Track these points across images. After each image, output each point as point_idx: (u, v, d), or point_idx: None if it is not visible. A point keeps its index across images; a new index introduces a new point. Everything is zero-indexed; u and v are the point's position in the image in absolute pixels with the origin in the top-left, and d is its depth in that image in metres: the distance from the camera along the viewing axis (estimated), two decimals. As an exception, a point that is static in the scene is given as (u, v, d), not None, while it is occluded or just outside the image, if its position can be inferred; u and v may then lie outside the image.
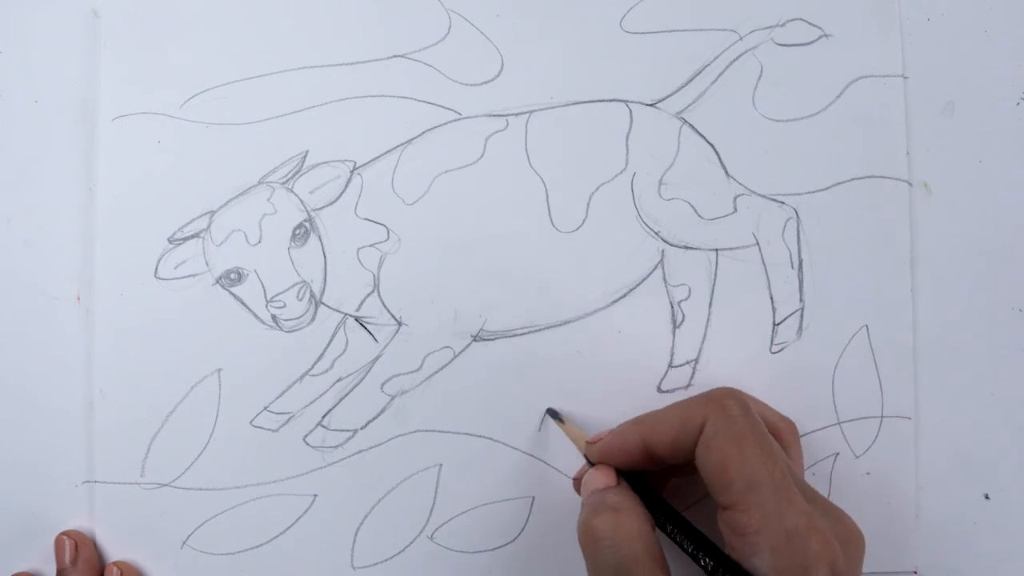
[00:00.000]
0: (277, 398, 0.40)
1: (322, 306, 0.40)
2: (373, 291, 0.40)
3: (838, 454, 0.40)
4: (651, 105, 0.41)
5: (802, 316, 0.40)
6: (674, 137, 0.41)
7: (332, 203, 0.40)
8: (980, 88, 0.41)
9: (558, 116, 0.41)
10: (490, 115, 0.41)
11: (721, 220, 0.40)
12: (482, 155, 0.40)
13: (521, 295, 0.40)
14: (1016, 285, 0.41)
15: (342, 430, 0.40)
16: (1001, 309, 0.41)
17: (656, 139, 0.41)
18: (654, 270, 0.40)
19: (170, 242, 0.40)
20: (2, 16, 0.41)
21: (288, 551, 0.40)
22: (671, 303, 0.40)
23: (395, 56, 0.41)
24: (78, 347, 0.40)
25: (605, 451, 0.35)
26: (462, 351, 0.40)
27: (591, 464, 0.36)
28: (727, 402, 0.32)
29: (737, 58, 0.41)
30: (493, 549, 0.40)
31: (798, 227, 0.40)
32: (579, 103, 0.41)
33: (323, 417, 0.40)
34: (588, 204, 0.40)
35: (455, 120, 0.40)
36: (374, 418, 0.40)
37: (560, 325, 0.40)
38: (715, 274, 0.40)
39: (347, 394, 0.40)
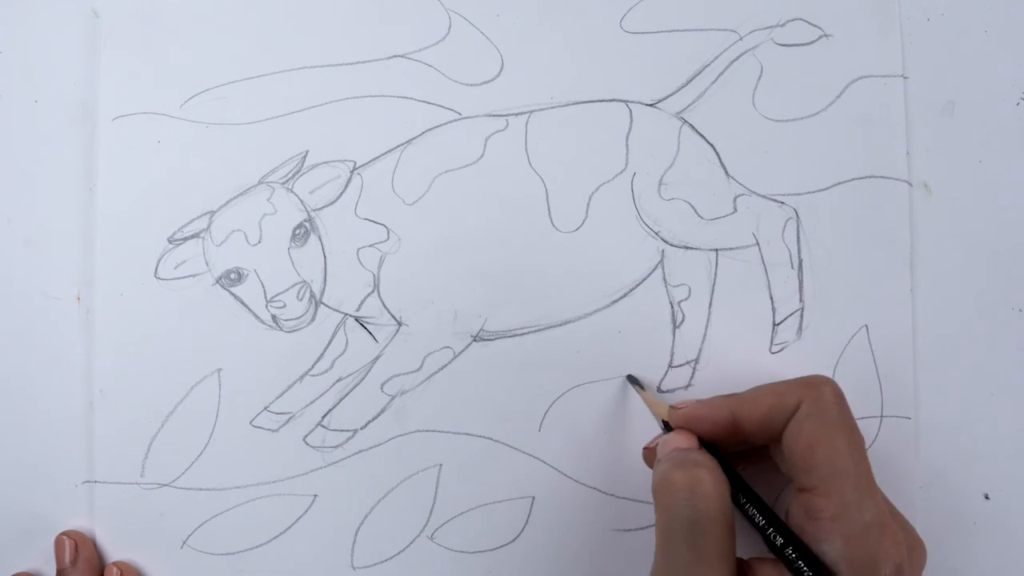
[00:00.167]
0: (277, 398, 0.40)
1: (322, 306, 0.40)
2: (373, 291, 0.40)
3: (838, 454, 0.40)
4: (651, 105, 0.41)
5: (802, 316, 0.40)
6: (674, 137, 0.41)
7: (332, 203, 0.40)
8: (980, 88, 0.41)
9: (558, 116, 0.41)
10: (490, 115, 0.41)
11: (721, 220, 0.40)
12: (482, 155, 0.40)
13: (521, 295, 0.40)
14: (1016, 285, 0.41)
15: (342, 430, 0.40)
16: (1001, 309, 0.41)
17: (656, 139, 0.41)
18: (654, 270, 0.40)
19: (170, 242, 0.40)
20: (2, 16, 0.41)
21: (288, 551, 0.40)
22: (671, 303, 0.40)
23: (395, 56, 0.41)
24: (78, 347, 0.40)
25: (691, 417, 0.35)
26: (462, 351, 0.40)
27: (667, 431, 0.35)
28: (824, 389, 0.33)
29: (737, 58, 0.41)
30: (493, 549, 0.40)
31: (798, 227, 0.40)
32: (579, 103, 0.41)
33: (323, 417, 0.40)
34: (588, 204, 0.40)
35: (455, 120, 0.40)
36: (374, 418, 0.40)
37: (560, 325, 0.40)
38: (715, 274, 0.40)
39: (347, 394, 0.40)
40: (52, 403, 0.40)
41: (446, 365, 0.40)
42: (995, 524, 0.40)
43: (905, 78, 0.41)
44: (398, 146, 0.40)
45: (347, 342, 0.40)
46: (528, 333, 0.40)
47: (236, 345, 0.40)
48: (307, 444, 0.40)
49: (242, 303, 0.40)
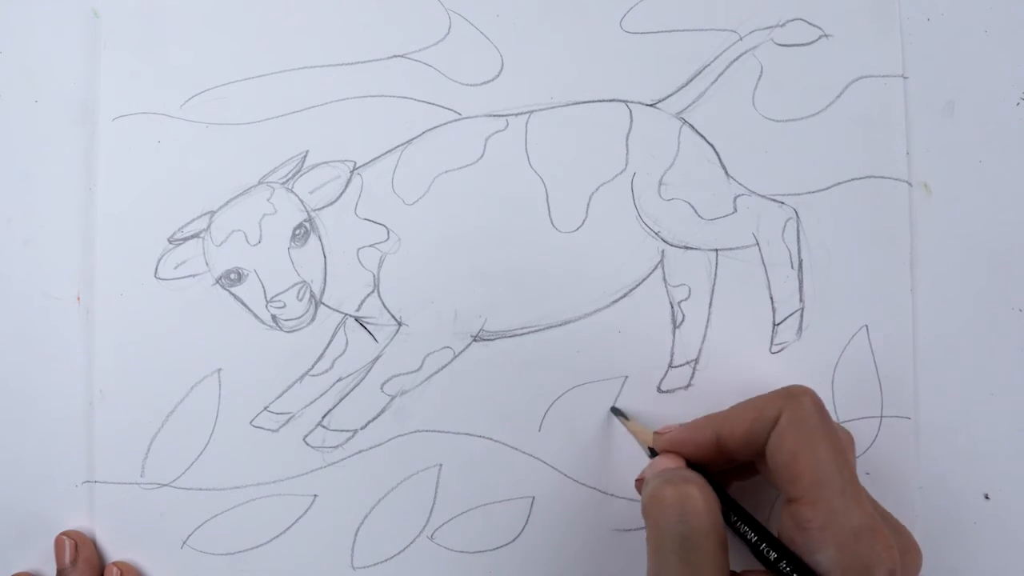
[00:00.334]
0: (277, 398, 0.40)
1: (322, 306, 0.40)
2: (373, 291, 0.40)
3: (838, 454, 0.40)
4: (651, 105, 0.41)
5: (802, 316, 0.40)
6: (674, 137, 0.41)
7: (332, 203, 0.40)
8: (980, 88, 0.41)
9: (558, 116, 0.41)
10: (490, 115, 0.41)
11: (721, 220, 0.40)
12: (482, 155, 0.40)
13: (521, 295, 0.40)
14: (1016, 285, 0.41)
15: (342, 430, 0.40)
16: (1001, 309, 0.41)
17: (656, 139, 0.41)
18: (654, 270, 0.40)
19: (170, 242, 0.40)
20: (2, 16, 0.41)
21: (288, 551, 0.40)
22: (671, 303, 0.40)
23: (395, 56, 0.41)
24: (78, 347, 0.40)
25: (675, 441, 0.35)
26: (462, 351, 0.40)
27: (653, 457, 0.36)
28: (803, 398, 0.33)
29: (737, 58, 0.41)
30: (493, 549, 0.40)
31: (798, 227, 0.40)
32: (579, 103, 0.41)
33: (323, 417, 0.40)
34: (588, 204, 0.40)
35: (455, 120, 0.40)
36: (374, 418, 0.40)
37: (560, 325, 0.40)
38: (715, 274, 0.40)
39: (347, 394, 0.40)
40: (52, 403, 0.40)
41: (446, 365, 0.40)
42: (995, 524, 0.40)
43: (905, 78, 0.41)
44: (398, 146, 0.40)
45: (347, 342, 0.40)
46: (528, 333, 0.40)
47: (236, 345, 0.40)
48: (307, 444, 0.40)
49: (242, 303, 0.40)
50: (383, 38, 0.41)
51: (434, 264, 0.40)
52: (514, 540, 0.40)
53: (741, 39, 0.41)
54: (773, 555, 0.31)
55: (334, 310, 0.40)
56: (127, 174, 0.40)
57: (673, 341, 0.40)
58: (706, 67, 0.41)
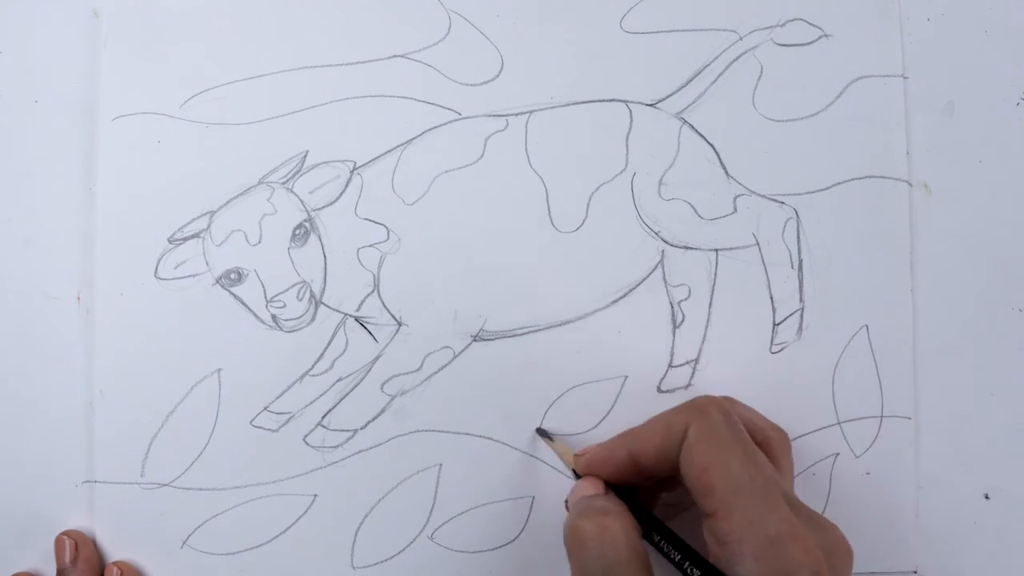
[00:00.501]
0: (277, 398, 0.40)
1: (322, 306, 0.40)
2: (373, 291, 0.40)
3: (838, 454, 0.40)
4: (651, 105, 0.41)
5: (802, 316, 0.40)
6: (674, 137, 0.41)
7: (332, 203, 0.40)
8: (980, 88, 0.41)
9: (558, 116, 0.41)
10: (490, 115, 0.41)
11: (721, 220, 0.40)
12: (482, 155, 0.40)
13: (521, 295, 0.40)
14: (1016, 285, 0.41)
15: (342, 430, 0.40)
16: (1001, 309, 0.41)
17: (656, 139, 0.41)
18: (654, 270, 0.40)
19: (170, 242, 0.40)
20: (2, 16, 0.41)
21: (288, 551, 0.40)
22: (671, 303, 0.40)
23: (395, 56, 0.41)
24: (78, 347, 0.40)
25: (592, 463, 0.35)
26: (462, 351, 0.40)
27: (578, 479, 0.36)
28: (709, 409, 0.32)
29: (737, 58, 0.41)
30: (493, 549, 0.40)
31: (798, 227, 0.40)
32: (579, 103, 0.41)
33: (323, 417, 0.40)
34: (588, 204, 0.40)
35: (455, 120, 0.40)
36: (374, 418, 0.40)
37: (560, 325, 0.40)
38: (715, 274, 0.40)
39: (347, 394, 0.40)
40: (52, 403, 0.40)
41: (446, 365, 0.40)
42: (995, 524, 0.40)
43: (905, 78, 0.41)
44: (398, 146, 0.40)
45: (347, 342, 0.40)
46: (528, 333, 0.40)
47: (236, 345, 0.40)
48: (307, 444, 0.40)
49: (242, 303, 0.40)
50: (383, 38, 0.41)
51: (434, 264, 0.40)
52: (514, 540, 0.40)
53: (741, 39, 0.41)
54: (697, 573, 0.31)
55: (334, 310, 0.40)
56: (127, 174, 0.40)
57: (673, 341, 0.40)
58: (706, 67, 0.41)
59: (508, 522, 0.40)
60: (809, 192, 0.41)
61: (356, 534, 0.40)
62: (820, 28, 0.41)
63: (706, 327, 0.40)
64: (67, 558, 0.38)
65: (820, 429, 0.40)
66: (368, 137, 0.40)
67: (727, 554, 0.30)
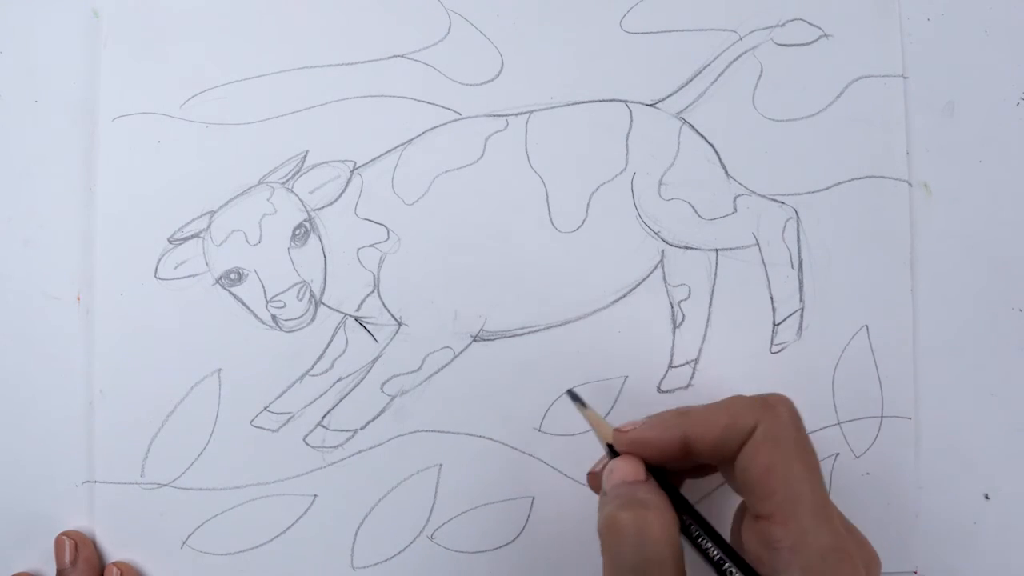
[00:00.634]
0: (277, 398, 0.40)
1: (322, 306, 0.40)
2: (373, 291, 0.40)
3: (838, 454, 0.40)
4: (651, 105, 0.41)
5: (802, 316, 0.40)
6: (674, 137, 0.41)
7: (332, 203, 0.40)
8: (980, 88, 0.41)
9: (558, 116, 0.41)
10: (490, 115, 0.41)
11: (721, 220, 0.40)
12: (482, 155, 0.40)
13: (521, 295, 0.40)
14: (1016, 285, 0.41)
15: (342, 430, 0.40)
16: (1001, 309, 0.41)
17: (656, 139, 0.41)
18: (654, 270, 0.40)
19: (170, 242, 0.40)
20: (2, 16, 0.41)
21: (288, 551, 0.40)
22: (671, 303, 0.40)
23: (395, 56, 0.41)
24: (78, 347, 0.40)
25: (638, 441, 0.33)
26: (462, 351, 0.40)
27: (611, 455, 0.34)
28: (779, 409, 0.32)
29: (737, 58, 0.41)
30: (493, 549, 0.40)
31: (798, 227, 0.40)
32: (579, 103, 0.41)
33: (323, 417, 0.40)
34: (588, 204, 0.40)
35: (455, 120, 0.40)
36: (374, 418, 0.40)
37: (560, 325, 0.40)
38: (715, 274, 0.40)
39: (347, 394, 0.40)
40: (52, 403, 0.40)
41: (446, 365, 0.40)
42: (995, 524, 0.40)
43: (905, 78, 0.41)
44: (398, 146, 0.40)
45: (347, 342, 0.40)
46: (528, 333, 0.40)
47: (236, 345, 0.40)
48: (307, 444, 0.40)
49: (242, 303, 0.40)
50: (383, 38, 0.41)
51: (434, 264, 0.40)
52: (514, 540, 0.40)
53: (741, 39, 0.41)
54: (738, 574, 0.30)
55: (334, 310, 0.40)
56: (127, 174, 0.40)
57: (673, 341, 0.40)
58: (706, 67, 0.41)
59: (508, 522, 0.40)
60: (809, 192, 0.41)
61: (356, 534, 0.40)
62: (820, 28, 0.41)
63: (706, 327, 0.40)
64: (67, 558, 0.38)
65: (820, 429, 0.40)
66: (368, 137, 0.40)
67: (773, 560, 0.29)
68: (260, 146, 0.40)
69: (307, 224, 0.40)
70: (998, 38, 0.41)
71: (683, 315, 0.40)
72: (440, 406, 0.40)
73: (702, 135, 0.41)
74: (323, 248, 0.40)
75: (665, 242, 0.40)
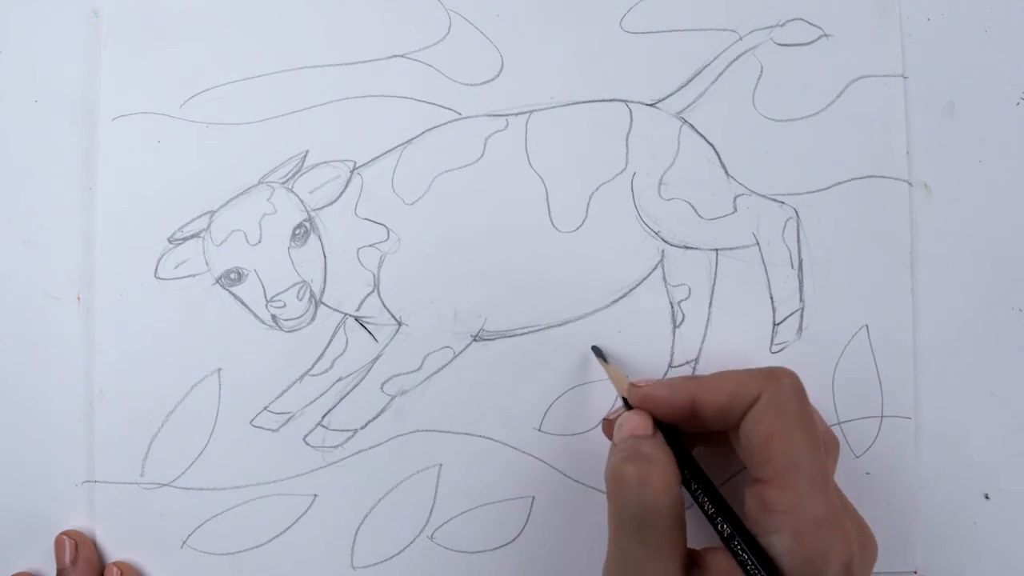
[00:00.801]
0: (277, 398, 0.40)
1: (322, 306, 0.40)
2: (373, 291, 0.40)
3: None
4: (651, 105, 0.41)
5: (802, 316, 0.40)
6: (674, 137, 0.41)
7: (332, 203, 0.40)
8: (980, 88, 0.41)
9: (558, 116, 0.41)
10: (490, 115, 0.41)
11: (721, 220, 0.40)
12: (482, 155, 0.40)
13: (521, 295, 0.40)
14: (1016, 285, 0.41)
15: (342, 430, 0.40)
16: (1001, 309, 0.41)
17: (656, 139, 0.41)
18: (654, 270, 0.40)
19: (170, 242, 0.40)
20: (2, 16, 0.41)
21: (288, 551, 0.40)
22: (671, 303, 0.40)
23: (395, 56, 0.41)
24: (78, 347, 0.40)
25: (650, 397, 0.34)
26: (462, 351, 0.40)
27: (627, 409, 0.35)
28: (785, 380, 0.33)
29: (737, 58, 0.41)
30: (493, 549, 0.40)
31: (798, 227, 0.40)
32: (579, 103, 0.41)
33: (323, 417, 0.40)
34: (588, 204, 0.40)
35: (455, 120, 0.40)
36: (374, 418, 0.40)
37: (560, 325, 0.40)
38: (715, 274, 0.40)
39: (347, 394, 0.40)
40: (52, 403, 0.40)
41: (446, 365, 0.40)
42: (995, 524, 0.40)
43: (905, 78, 0.41)
44: (398, 146, 0.40)
45: (347, 342, 0.40)
46: (528, 333, 0.40)
47: (236, 345, 0.40)
48: (307, 444, 0.40)
49: (242, 303, 0.40)
50: (383, 38, 0.41)
51: (434, 264, 0.40)
52: (514, 540, 0.40)
53: (741, 39, 0.41)
54: (728, 531, 0.31)
55: (334, 310, 0.40)
56: (127, 174, 0.40)
57: (673, 341, 0.40)
58: (706, 67, 0.41)
59: (508, 522, 0.40)
60: (809, 192, 0.41)
61: (356, 534, 0.40)
62: (820, 28, 0.41)
63: (706, 327, 0.40)
64: (67, 558, 0.38)
65: (820, 429, 0.40)
66: (368, 137, 0.40)
67: (766, 522, 0.30)
68: (260, 146, 0.40)
69: (307, 224, 0.40)
70: (998, 38, 0.41)
71: (683, 315, 0.40)
72: (440, 406, 0.40)
73: (702, 135, 0.41)
74: (323, 248, 0.40)
75: (665, 242, 0.40)
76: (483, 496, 0.40)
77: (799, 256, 0.40)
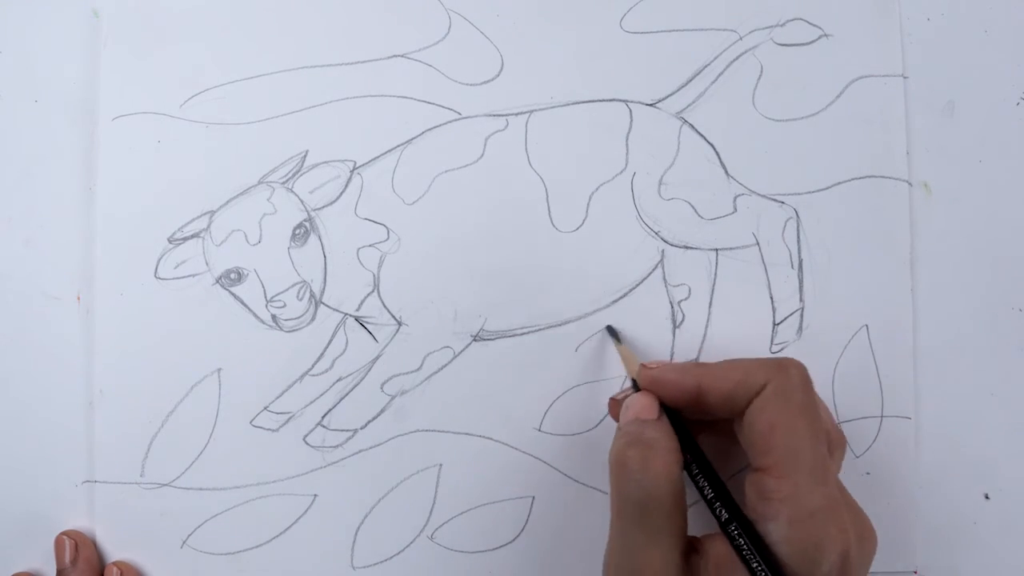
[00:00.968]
0: (277, 398, 0.40)
1: (322, 306, 0.40)
2: (373, 291, 0.40)
3: (838, 454, 0.40)
4: (651, 105, 0.41)
5: (802, 316, 0.40)
6: (674, 137, 0.41)
7: (332, 203, 0.40)
8: (980, 88, 0.41)
9: (558, 116, 0.41)
10: (490, 115, 0.41)
11: (721, 220, 0.40)
12: (482, 155, 0.40)
13: (521, 295, 0.40)
14: (1016, 285, 0.41)
15: (342, 430, 0.40)
16: (1001, 309, 0.41)
17: (656, 139, 0.41)
18: (654, 270, 0.40)
19: (170, 242, 0.40)
20: (2, 16, 0.41)
21: (288, 551, 0.40)
22: (671, 303, 0.40)
23: (395, 56, 0.41)
24: (78, 347, 0.40)
25: (657, 380, 0.35)
26: (462, 351, 0.40)
27: (635, 389, 0.36)
28: (791, 371, 0.33)
29: (737, 58, 0.41)
30: (493, 549, 0.40)
31: (798, 227, 0.40)
32: (579, 103, 0.41)
33: (323, 417, 0.40)
34: (588, 204, 0.40)
35: (455, 120, 0.40)
36: (374, 418, 0.40)
37: (560, 325, 0.40)
38: (715, 274, 0.40)
39: (347, 394, 0.40)
40: (52, 403, 0.40)
41: (446, 365, 0.40)
42: (995, 524, 0.40)
43: (905, 78, 0.41)
44: (398, 146, 0.40)
45: (347, 342, 0.40)
46: (528, 333, 0.40)
47: (236, 345, 0.40)
48: (307, 444, 0.40)
49: (242, 303, 0.40)
50: (383, 38, 0.41)
51: (434, 264, 0.40)
52: (514, 540, 0.40)
53: (741, 39, 0.41)
54: (725, 515, 0.31)
55: (334, 310, 0.40)
56: (127, 174, 0.40)
57: (673, 341, 0.40)
58: (706, 67, 0.41)
59: (508, 522, 0.40)
60: (809, 192, 0.41)
61: (356, 534, 0.40)
62: (820, 28, 0.41)
63: (706, 327, 0.40)
64: (67, 558, 0.38)
65: (820, 429, 0.40)
66: (368, 137, 0.40)
67: (764, 509, 0.31)
68: (260, 146, 0.40)
69: (307, 224, 0.40)
70: (998, 38, 0.41)
71: (683, 315, 0.40)
72: (440, 406, 0.40)
73: (702, 135, 0.41)
74: (323, 248, 0.40)
75: (665, 242, 0.40)
76: (483, 496, 0.40)
77: (799, 256, 0.40)
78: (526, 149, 0.40)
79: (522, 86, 0.41)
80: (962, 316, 0.41)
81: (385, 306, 0.40)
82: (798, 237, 0.40)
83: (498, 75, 0.41)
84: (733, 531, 0.31)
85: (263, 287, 0.40)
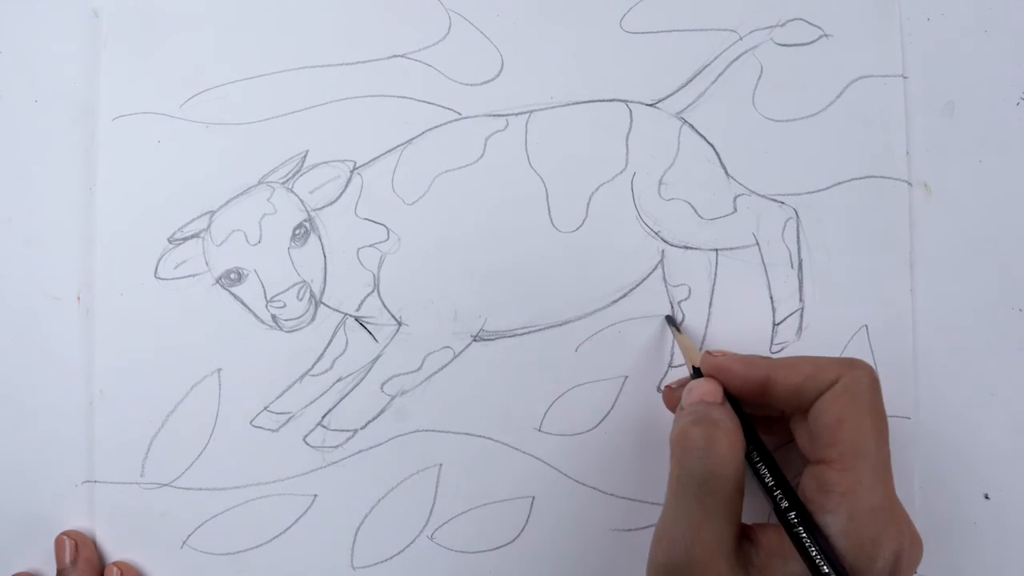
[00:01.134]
0: (277, 398, 0.40)
1: (322, 306, 0.40)
2: (373, 291, 0.40)
3: (838, 454, 0.40)
4: (651, 105, 0.41)
5: (802, 316, 0.40)
6: (674, 137, 0.41)
7: (332, 203, 0.40)
8: (980, 88, 0.41)
9: (558, 116, 0.41)
10: (490, 115, 0.41)
11: (721, 220, 0.40)
12: (482, 155, 0.40)
13: (521, 295, 0.40)
14: (1016, 285, 0.41)
15: (342, 430, 0.40)
16: (1001, 309, 0.41)
17: (656, 139, 0.41)
18: (654, 270, 0.40)
19: (170, 242, 0.40)
20: (2, 16, 0.41)
21: (288, 551, 0.40)
22: (671, 303, 0.40)
23: (395, 56, 0.41)
24: (78, 347, 0.40)
25: (723, 367, 0.35)
26: (462, 351, 0.40)
27: (695, 377, 0.36)
28: (863, 371, 0.33)
29: (737, 58, 0.41)
30: (493, 549, 0.40)
31: (798, 227, 0.40)
32: (579, 103, 0.41)
33: (323, 417, 0.40)
34: (588, 204, 0.40)
35: (455, 120, 0.40)
36: (374, 418, 0.40)
37: (560, 325, 0.40)
38: (715, 274, 0.40)
39: (347, 394, 0.40)
40: (52, 403, 0.40)
41: (446, 365, 0.40)
42: (995, 524, 0.40)
43: (905, 78, 0.41)
44: (398, 146, 0.40)
45: (347, 342, 0.40)
46: (528, 333, 0.40)
47: (236, 345, 0.40)
48: (307, 444, 0.40)
49: (242, 303, 0.40)
50: (383, 38, 0.41)
51: (434, 264, 0.40)
52: (514, 540, 0.40)
53: (741, 39, 0.41)
54: (785, 504, 0.32)
55: (334, 310, 0.40)
56: (127, 174, 0.40)
57: (673, 341, 0.40)
58: (706, 67, 0.41)
59: (508, 522, 0.40)
60: (809, 192, 0.41)
61: (356, 534, 0.40)
62: (820, 28, 0.41)
63: (706, 327, 0.40)
64: (67, 558, 0.38)
65: (820, 429, 0.40)
66: (368, 137, 0.40)
67: (823, 501, 0.31)
68: (260, 146, 0.40)
69: (307, 224, 0.40)
70: (998, 38, 0.41)
71: (683, 315, 0.40)
72: (440, 406, 0.40)
73: (702, 135, 0.41)
74: (323, 248, 0.40)
75: (665, 242, 0.40)
76: (483, 496, 0.40)
77: (799, 256, 0.40)
78: (526, 149, 0.40)
79: (522, 86, 0.41)
80: (962, 316, 0.41)
81: (385, 306, 0.40)
82: (798, 237, 0.40)
83: (498, 75, 0.41)
84: (793, 519, 0.31)
85: (263, 287, 0.40)
